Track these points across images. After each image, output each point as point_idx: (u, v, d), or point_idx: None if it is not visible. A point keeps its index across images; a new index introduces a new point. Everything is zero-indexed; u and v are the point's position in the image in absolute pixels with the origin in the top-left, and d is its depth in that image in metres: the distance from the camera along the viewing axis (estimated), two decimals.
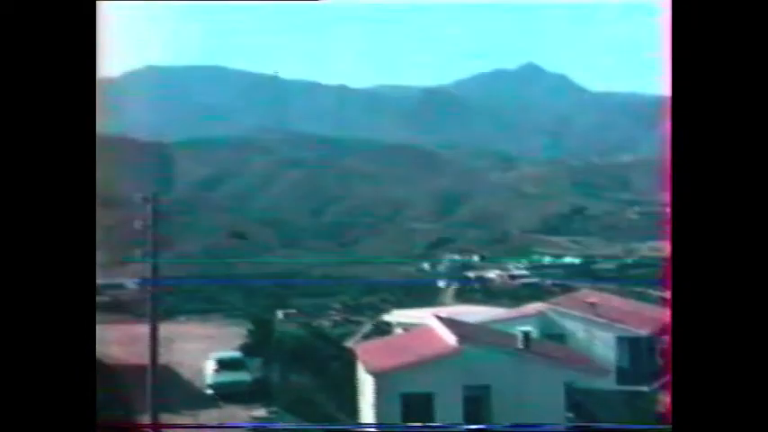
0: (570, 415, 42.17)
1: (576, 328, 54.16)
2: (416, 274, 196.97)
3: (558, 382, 41.14)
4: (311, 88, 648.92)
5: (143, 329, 35.03)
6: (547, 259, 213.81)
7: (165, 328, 39.67)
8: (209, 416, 38.16)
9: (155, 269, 33.39)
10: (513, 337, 43.48)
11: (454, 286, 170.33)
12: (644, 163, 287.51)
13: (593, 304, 56.07)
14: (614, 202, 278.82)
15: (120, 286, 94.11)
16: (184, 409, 37.97)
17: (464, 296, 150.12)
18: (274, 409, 40.12)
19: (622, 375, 51.94)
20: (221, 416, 38.58)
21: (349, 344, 75.19)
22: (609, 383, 49.00)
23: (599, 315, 54.88)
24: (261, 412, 39.32)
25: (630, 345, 53.35)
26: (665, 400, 44.18)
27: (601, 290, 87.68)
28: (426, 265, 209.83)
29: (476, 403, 39.49)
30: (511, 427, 36.39)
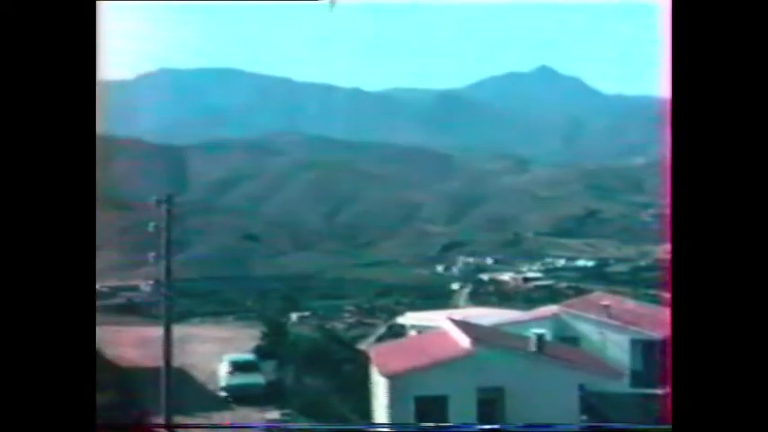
0: (584, 418, 42.01)
1: (589, 331, 53.97)
2: (430, 277, 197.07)
3: (571, 384, 40.98)
4: (325, 90, 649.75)
5: (157, 331, 35.19)
6: (560, 262, 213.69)
7: (179, 330, 39.85)
8: (222, 418, 38.18)
9: (168, 271, 33.51)
10: (526, 339, 43.35)
11: (468, 289, 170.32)
12: (657, 165, 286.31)
13: (606, 307, 55.83)
14: (628, 204, 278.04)
15: (135, 288, 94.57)
16: (198, 411, 38.00)
17: (478, 298, 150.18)
18: (288, 411, 40.11)
19: (636, 378, 51.72)
20: (234, 418, 38.58)
21: (363, 346, 75.24)
22: (623, 386, 48.80)
23: (612, 318, 54.67)
24: (274, 415, 39.31)
25: (644, 347, 53.09)
26: None
27: (614, 292, 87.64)
28: (440, 268, 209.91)
29: (489, 406, 39.36)
30: (523, 427, 36.27)
